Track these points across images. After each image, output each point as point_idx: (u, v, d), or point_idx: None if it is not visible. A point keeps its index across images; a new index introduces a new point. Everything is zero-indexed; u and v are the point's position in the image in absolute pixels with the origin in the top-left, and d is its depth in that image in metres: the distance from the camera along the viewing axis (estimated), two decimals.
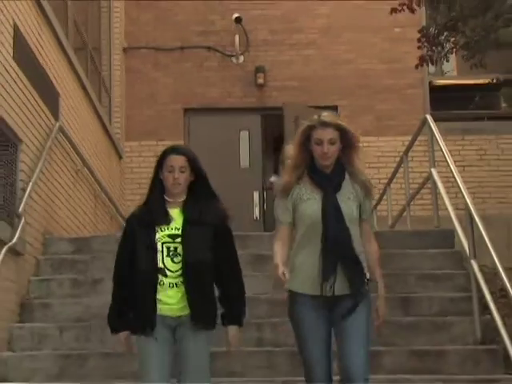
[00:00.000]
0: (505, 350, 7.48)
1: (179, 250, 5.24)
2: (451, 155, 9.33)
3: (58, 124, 10.30)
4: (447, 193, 9.45)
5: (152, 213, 5.37)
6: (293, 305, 5.42)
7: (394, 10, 10.04)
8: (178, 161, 5.38)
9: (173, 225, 5.32)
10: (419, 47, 10.56)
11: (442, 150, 9.48)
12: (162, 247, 5.26)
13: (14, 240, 8.21)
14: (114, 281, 5.69)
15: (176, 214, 5.40)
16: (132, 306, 5.48)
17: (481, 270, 8.17)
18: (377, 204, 12.99)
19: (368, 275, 5.32)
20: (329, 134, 5.33)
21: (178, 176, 5.34)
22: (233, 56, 15.99)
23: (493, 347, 7.90)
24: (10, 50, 8.54)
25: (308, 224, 5.27)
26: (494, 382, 7.54)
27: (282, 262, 5.19)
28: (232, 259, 5.60)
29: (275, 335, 8.27)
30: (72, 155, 11.17)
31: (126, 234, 5.57)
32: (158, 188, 5.50)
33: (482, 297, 8.04)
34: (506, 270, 7.67)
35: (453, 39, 10.28)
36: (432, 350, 7.98)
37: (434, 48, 10.39)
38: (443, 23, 10.09)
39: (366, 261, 5.35)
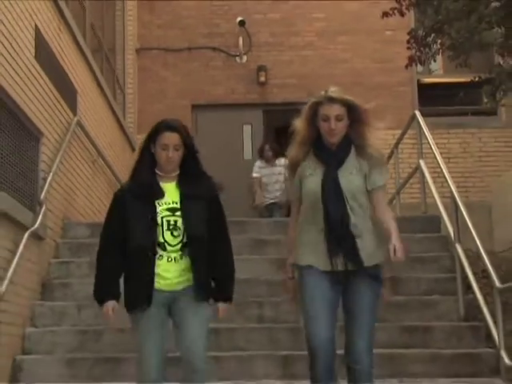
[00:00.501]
0: (486, 326, 7.56)
1: (179, 223, 4.91)
2: (437, 148, 9.37)
3: (76, 119, 10.36)
4: (434, 182, 9.50)
5: (147, 187, 5.00)
6: (303, 276, 4.93)
7: (385, 14, 10.06)
8: (172, 139, 5.04)
9: (169, 199, 4.98)
10: (408, 48, 10.58)
11: (429, 142, 9.54)
12: (162, 221, 4.90)
13: (36, 225, 8.26)
14: (100, 252, 5.37)
15: (171, 188, 5.06)
16: (117, 278, 5.21)
17: (465, 253, 8.23)
18: None
19: (380, 257, 4.92)
20: (336, 110, 4.88)
21: (173, 154, 5.00)
22: (237, 56, 16.00)
23: (475, 324, 7.95)
24: (33, 51, 8.59)
25: (310, 200, 4.88)
26: (476, 356, 7.61)
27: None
28: (224, 233, 5.25)
29: (275, 313, 8.32)
30: (89, 147, 11.22)
31: (115, 207, 5.15)
32: (148, 161, 5.12)
33: (465, 277, 8.10)
34: (487, 253, 7.73)
35: (439, 41, 10.29)
36: (420, 326, 8.05)
37: (422, 49, 10.40)
38: (430, 26, 10.11)
39: (381, 225, 4.89)
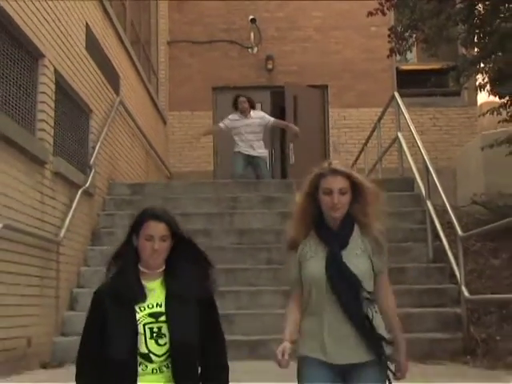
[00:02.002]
0: (450, 267, 7.57)
1: (164, 329, 3.38)
2: (412, 122, 9.32)
3: (118, 98, 10.32)
4: (409, 151, 9.45)
5: (126, 288, 3.47)
6: (302, 367, 3.62)
7: (370, 13, 9.99)
8: (158, 229, 3.49)
9: (153, 300, 3.45)
10: (389, 41, 10.53)
11: (405, 118, 9.48)
12: (144, 329, 3.37)
13: (87, 184, 8.29)
14: (76, 374, 3.61)
15: (155, 288, 3.52)
16: None
17: (433, 208, 8.23)
18: (356, 159, 13.04)
19: (386, 337, 3.67)
20: (339, 182, 3.66)
21: (159, 246, 3.47)
22: (249, 48, 15.92)
23: (441, 265, 7.96)
24: (84, 43, 8.56)
25: (312, 285, 3.57)
26: (441, 290, 7.64)
27: (291, 333, 3.62)
28: (219, 340, 3.68)
29: (280, 256, 8.31)
30: (129, 122, 11.19)
31: (93, 313, 3.52)
32: (130, 256, 3.56)
33: (434, 228, 8.09)
34: (452, 207, 7.73)
35: (414, 35, 10.26)
36: (397, 267, 8.03)
37: (400, 42, 10.37)
38: (407, 23, 10.07)
39: (383, 317, 3.74)
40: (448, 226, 7.83)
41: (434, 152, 13.50)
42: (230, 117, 11.60)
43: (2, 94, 6.06)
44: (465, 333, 6.88)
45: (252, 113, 11.46)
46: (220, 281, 7.63)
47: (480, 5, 9.01)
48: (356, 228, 3.67)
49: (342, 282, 3.44)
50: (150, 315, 3.37)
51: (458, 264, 7.21)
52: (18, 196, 6.17)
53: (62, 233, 7.20)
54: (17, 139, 6.05)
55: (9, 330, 5.87)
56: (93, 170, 8.63)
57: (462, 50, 10.79)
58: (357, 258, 3.58)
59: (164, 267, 3.48)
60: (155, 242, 3.39)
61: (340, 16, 15.74)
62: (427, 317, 7.21)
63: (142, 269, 3.46)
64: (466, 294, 6.89)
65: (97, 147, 8.95)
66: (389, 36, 10.52)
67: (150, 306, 3.38)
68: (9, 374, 5.74)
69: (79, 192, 7.95)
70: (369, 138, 12.02)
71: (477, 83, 9.75)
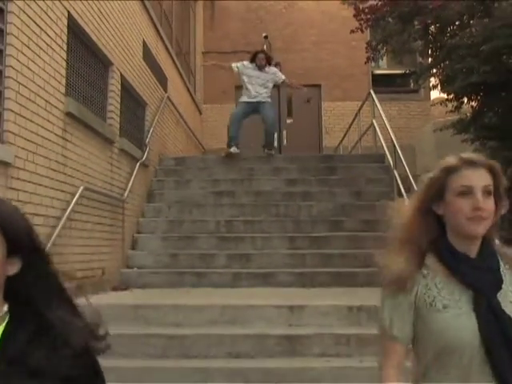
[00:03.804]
0: None
1: None
2: (383, 112, 9.30)
3: (166, 95, 10.32)
4: (381, 133, 9.43)
5: None
6: None
7: (352, 31, 9.92)
8: None
9: None
10: (366, 52, 10.47)
11: (378, 109, 9.46)
12: None
13: (143, 158, 8.34)
14: None
15: None
16: None
17: (399, 176, 8.23)
18: (342, 139, 13.02)
19: None
20: (483, 177, 1.69)
21: None
22: None
23: None
24: (141, 54, 8.58)
25: (448, 348, 1.64)
26: None
27: None
28: None
29: (285, 211, 8.37)
30: (174, 112, 11.20)
31: None
32: None
33: (399, 190, 8.10)
34: (412, 175, 7.73)
35: (385, 48, 10.21)
36: (372, 219, 8.05)
37: (374, 53, 10.33)
38: (379, 39, 10.02)
39: None
40: (409, 189, 7.84)
41: (399, 134, 13.33)
42: (245, 63, 9.97)
43: (83, 92, 6.11)
44: None
45: (267, 68, 9.97)
46: (240, 230, 7.77)
47: (432, 26, 8.98)
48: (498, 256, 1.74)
49: (504, 349, 1.61)
50: None
51: None
52: (94, 166, 6.24)
53: (126, 193, 7.28)
54: (93, 125, 6.12)
55: (89, 263, 5.99)
56: (148, 148, 8.67)
57: (420, 59, 10.73)
58: None
59: (6, 307, 1.27)
60: None
61: (330, 33, 15.67)
62: None
63: None
64: None
65: (151, 130, 8.96)
66: (366, 48, 10.47)
67: None
68: (90, 294, 5.85)
69: (138, 164, 8.01)
70: (351, 123, 12.00)
71: (430, 84, 9.72)
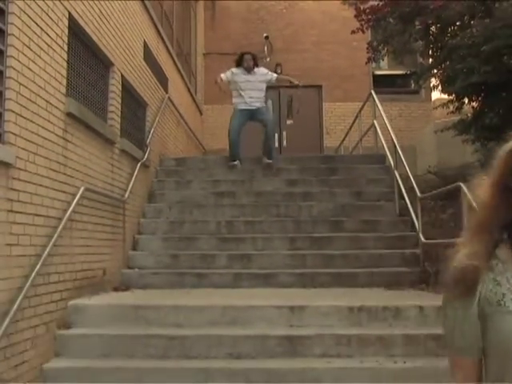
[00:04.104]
0: (411, 220, 7.59)
1: None
2: (384, 113, 9.30)
3: (167, 95, 10.31)
4: (382, 134, 9.43)
5: None
6: None
7: (353, 32, 9.93)
8: None
9: None
10: (367, 53, 10.48)
11: (379, 110, 9.45)
12: None
13: (144, 159, 8.32)
14: None
15: None
16: None
17: (399, 176, 8.24)
18: (343, 140, 13.01)
19: None
20: None
21: None
22: (263, 57, 15.86)
23: (405, 218, 7.97)
24: (142, 55, 8.57)
25: None
26: (404, 237, 7.66)
27: None
28: None
29: (286, 211, 8.37)
30: (175, 112, 11.20)
31: None
32: None
33: (400, 191, 8.11)
34: (413, 176, 7.73)
35: (386, 48, 10.21)
36: (372, 220, 8.09)
37: (375, 53, 10.33)
38: (380, 39, 10.03)
39: None
40: (410, 189, 7.84)
41: (400, 134, 13.36)
42: (233, 70, 9.44)
43: (84, 93, 6.11)
44: (421, 267, 6.95)
45: (256, 69, 9.43)
46: (240, 230, 7.76)
47: (433, 26, 8.98)
48: None
49: None
50: None
51: (417, 217, 7.23)
52: (95, 167, 6.24)
53: (127, 194, 7.27)
54: (94, 125, 6.11)
55: (90, 263, 5.98)
56: (148, 148, 8.65)
57: (421, 60, 10.73)
58: None
59: None
60: None
61: (330, 34, 15.68)
62: (394, 256, 7.26)
63: None
64: (423, 239, 6.93)
65: (151, 131, 8.95)
66: (367, 49, 10.48)
67: None
68: (91, 294, 5.88)
69: (139, 164, 7.99)
70: (352, 124, 12.00)
71: (431, 85, 9.71)
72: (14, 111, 4.28)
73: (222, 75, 9.38)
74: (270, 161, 9.37)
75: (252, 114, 9.32)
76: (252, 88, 9.24)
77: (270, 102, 10.14)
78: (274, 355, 4.87)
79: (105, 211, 6.53)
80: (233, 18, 16.15)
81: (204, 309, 5.34)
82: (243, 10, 16.17)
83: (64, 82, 5.35)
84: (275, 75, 9.76)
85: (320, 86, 15.70)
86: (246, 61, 9.31)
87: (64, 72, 5.36)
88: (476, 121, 8.39)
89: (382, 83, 15.30)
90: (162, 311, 5.35)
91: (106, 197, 6.54)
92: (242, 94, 9.25)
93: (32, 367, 4.57)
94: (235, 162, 9.33)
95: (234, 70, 9.39)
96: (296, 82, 9.96)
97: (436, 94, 13.14)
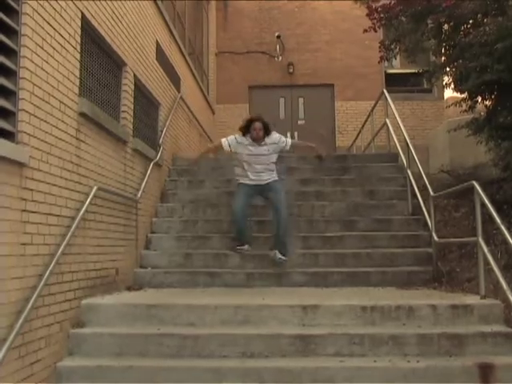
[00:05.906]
0: (424, 218, 7.54)
1: None
2: (396, 111, 9.25)
3: (179, 95, 10.32)
4: (394, 132, 9.39)
5: None
6: None
7: (365, 31, 9.86)
8: None
9: None
10: (379, 51, 10.41)
11: (391, 108, 9.40)
12: None
13: (157, 158, 8.32)
14: None
15: None
16: None
17: (412, 175, 8.19)
18: (355, 139, 12.97)
19: None
20: None
21: None
22: (275, 57, 15.86)
23: (418, 217, 7.93)
24: (155, 55, 8.57)
25: None
26: (418, 236, 7.61)
27: None
28: None
29: (299, 211, 8.27)
30: (187, 112, 11.21)
31: None
32: None
33: (412, 189, 8.06)
34: (425, 174, 7.68)
35: (398, 47, 10.14)
36: (385, 219, 8.04)
37: (387, 52, 10.27)
38: (393, 38, 9.97)
39: None
40: (423, 188, 7.79)
41: (413, 133, 13.38)
42: (237, 137, 7.19)
43: (97, 93, 6.12)
44: (434, 266, 6.91)
45: (267, 138, 7.13)
46: (253, 229, 7.71)
47: (446, 25, 8.92)
48: None
49: None
50: None
51: (429, 216, 7.18)
52: (108, 166, 6.24)
53: (140, 193, 7.27)
54: (107, 125, 6.12)
55: (103, 262, 5.99)
56: (161, 148, 8.66)
57: (433, 58, 10.66)
58: None
59: None
60: None
61: (342, 33, 15.67)
62: (407, 255, 7.22)
63: None
64: (436, 238, 6.88)
65: (164, 130, 8.96)
66: (379, 47, 10.41)
67: None
68: (104, 294, 5.89)
69: (151, 164, 7.99)
70: (364, 123, 11.97)
71: (444, 83, 9.65)
72: (27, 111, 4.29)
73: (223, 141, 7.25)
74: (285, 258, 6.99)
75: (260, 191, 7.21)
76: (260, 163, 7.10)
77: (283, 166, 8.49)
78: (287, 354, 4.85)
79: (118, 210, 6.54)
80: (245, 18, 16.16)
81: (217, 308, 5.33)
82: (255, 9, 16.17)
83: (77, 81, 5.36)
84: (290, 141, 7.43)
85: (332, 85, 15.67)
86: (255, 130, 7.03)
87: (77, 72, 5.37)
88: (489, 120, 8.32)
89: (394, 82, 15.26)
90: (175, 310, 5.35)
91: (118, 196, 6.54)
92: (246, 168, 7.12)
93: (46, 366, 4.58)
94: (244, 247, 7.30)
95: (239, 138, 7.17)
96: (319, 151, 7.71)
97: (449, 93, 13.09)
